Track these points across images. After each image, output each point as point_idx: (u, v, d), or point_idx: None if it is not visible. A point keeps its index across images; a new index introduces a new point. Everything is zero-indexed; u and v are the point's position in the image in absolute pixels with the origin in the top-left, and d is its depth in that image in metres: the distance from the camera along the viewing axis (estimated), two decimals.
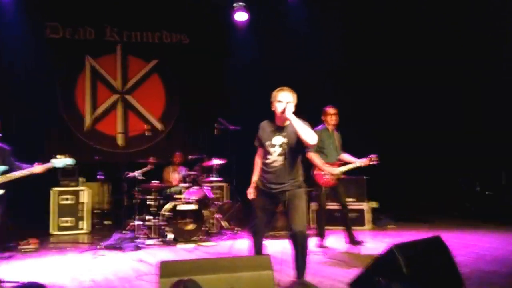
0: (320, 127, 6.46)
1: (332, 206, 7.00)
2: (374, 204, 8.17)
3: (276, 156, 4.17)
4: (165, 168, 8.47)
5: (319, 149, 6.33)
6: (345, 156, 6.51)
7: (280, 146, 4.15)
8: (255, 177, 4.35)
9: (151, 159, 7.51)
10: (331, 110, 6.46)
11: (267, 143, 4.20)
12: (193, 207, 6.99)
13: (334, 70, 9.57)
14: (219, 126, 7.74)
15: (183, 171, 8.29)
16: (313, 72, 9.53)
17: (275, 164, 4.17)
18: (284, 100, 4.14)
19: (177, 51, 10.19)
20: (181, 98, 10.17)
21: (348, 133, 6.67)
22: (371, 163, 6.30)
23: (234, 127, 7.72)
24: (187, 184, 7.40)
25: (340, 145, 6.55)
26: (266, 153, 4.21)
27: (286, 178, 4.14)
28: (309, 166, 6.45)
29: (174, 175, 8.33)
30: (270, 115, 4.28)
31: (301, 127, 4.06)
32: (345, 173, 6.41)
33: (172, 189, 7.94)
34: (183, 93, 10.18)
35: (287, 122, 4.19)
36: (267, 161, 4.20)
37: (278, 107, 4.16)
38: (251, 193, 4.33)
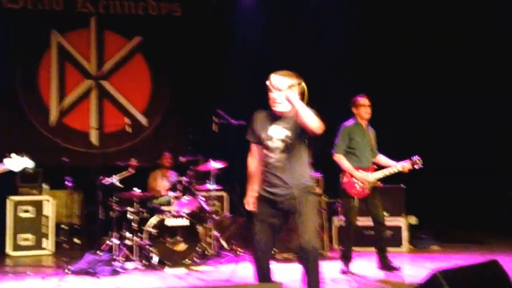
0: (349, 122, 6.50)
1: (362, 222, 7.02)
2: (413, 220, 8.21)
3: (278, 152, 4.22)
4: (151, 173, 8.52)
5: (350, 150, 6.39)
6: (382, 159, 6.54)
7: (281, 140, 4.22)
8: (250, 184, 4.39)
9: (133, 162, 7.55)
10: (364, 100, 6.49)
11: (263, 134, 4.27)
12: (185, 222, 7.03)
13: (357, 58, 9.74)
14: (219, 120, 7.72)
15: (173, 177, 8.33)
16: (332, 57, 9.67)
17: (275, 162, 4.23)
18: (276, 88, 4.20)
19: (167, 25, 10.25)
20: (171, 85, 10.25)
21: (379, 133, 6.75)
22: (414, 167, 6.31)
23: (237, 122, 7.69)
24: (177, 194, 7.44)
25: (375, 144, 6.57)
26: (264, 148, 4.28)
27: (291, 181, 4.18)
28: (335, 171, 6.47)
29: (162, 182, 8.39)
30: None
31: (306, 111, 4.08)
32: (381, 180, 6.44)
33: (159, 200, 7.98)
34: (173, 79, 10.25)
35: (288, 112, 4.25)
36: (268, 160, 4.26)
37: (270, 96, 4.25)
38: (249, 203, 4.36)
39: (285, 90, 4.16)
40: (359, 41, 9.81)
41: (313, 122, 4.07)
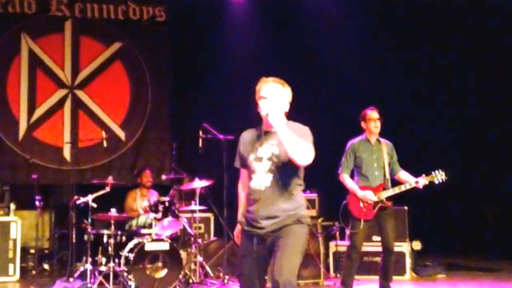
0: (357, 138, 6.48)
1: (368, 246, 7.06)
2: (417, 245, 8.15)
3: (263, 174, 3.98)
4: (129, 192, 8.46)
5: (357, 169, 6.38)
6: (403, 176, 6.43)
7: (269, 159, 3.97)
8: (239, 213, 4.25)
9: (110, 180, 7.51)
10: (373, 113, 6.43)
11: (251, 157, 4.04)
12: (167, 246, 6.95)
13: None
14: (205, 135, 7.72)
15: (153, 196, 8.28)
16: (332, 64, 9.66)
17: (260, 187, 3.97)
18: (269, 96, 4.01)
19: (149, 31, 10.24)
20: (152, 96, 10.21)
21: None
22: (433, 181, 6.22)
23: (225, 136, 7.69)
24: (158, 215, 7.33)
25: (392, 160, 6.47)
26: (250, 173, 4.07)
27: (279, 208, 3.95)
28: (332, 191, 6.36)
29: (141, 202, 8.28)
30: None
31: (288, 138, 3.86)
32: (391, 198, 6.32)
33: (138, 222, 7.89)
34: (155, 89, 10.23)
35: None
36: (251, 184, 4.03)
37: (261, 107, 4.02)
38: (238, 237, 4.22)
39: (271, 103, 3.97)
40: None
41: (298, 152, 3.84)
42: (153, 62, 10.20)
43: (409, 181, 6.27)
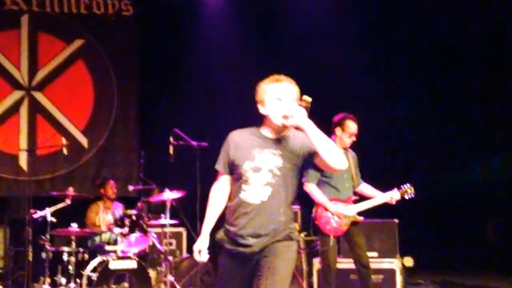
0: None
1: (346, 263, 6.97)
2: (408, 262, 8.16)
3: (260, 186, 3.91)
4: (90, 205, 8.43)
5: (324, 179, 6.34)
6: (365, 188, 6.54)
7: (270, 171, 3.91)
8: (209, 224, 4.10)
9: (70, 191, 7.48)
10: (354, 126, 6.38)
11: (246, 165, 3.94)
12: (134, 265, 6.96)
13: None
14: (176, 141, 7.72)
15: (119, 209, 8.25)
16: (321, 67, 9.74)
17: (255, 200, 3.91)
18: (286, 98, 3.93)
19: (114, 27, 10.25)
20: (118, 98, 10.21)
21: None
22: (403, 197, 6.32)
23: (199, 143, 7.71)
24: (124, 230, 7.34)
25: (357, 171, 6.57)
26: (240, 182, 3.97)
27: (272, 225, 3.92)
28: (307, 204, 6.40)
29: (104, 216, 8.29)
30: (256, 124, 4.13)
31: (326, 143, 3.84)
32: (362, 213, 6.39)
33: (102, 237, 7.88)
34: (121, 92, 10.23)
35: (286, 132, 4.00)
36: (242, 195, 3.94)
37: (275, 110, 3.93)
38: (200, 253, 4.06)
39: (290, 104, 3.88)
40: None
41: (338, 157, 3.85)
42: (119, 62, 10.20)
43: (376, 195, 6.36)
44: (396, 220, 7.94)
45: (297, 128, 3.91)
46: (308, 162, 3.96)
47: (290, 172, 3.95)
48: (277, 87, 3.96)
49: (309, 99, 3.90)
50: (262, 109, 4.00)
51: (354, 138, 6.40)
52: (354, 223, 6.33)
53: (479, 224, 9.64)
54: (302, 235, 7.79)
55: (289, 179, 3.95)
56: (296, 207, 7.95)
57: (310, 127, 3.82)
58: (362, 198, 6.48)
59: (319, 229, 6.30)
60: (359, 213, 6.37)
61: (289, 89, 3.95)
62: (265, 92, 4.00)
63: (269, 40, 10.06)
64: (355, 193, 6.48)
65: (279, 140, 3.97)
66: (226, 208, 4.11)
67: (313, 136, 3.82)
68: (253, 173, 3.92)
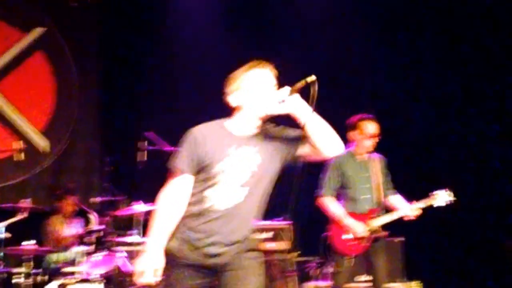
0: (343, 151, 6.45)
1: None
2: (416, 286, 8.15)
3: (235, 187, 3.92)
4: (48, 219, 8.44)
5: (343, 190, 6.40)
6: (395, 201, 6.52)
7: (248, 169, 3.94)
8: (163, 236, 3.89)
9: (27, 203, 7.44)
10: (373, 127, 6.40)
11: (219, 166, 3.91)
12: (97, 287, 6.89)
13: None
14: (146, 146, 7.75)
15: (80, 225, 8.30)
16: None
17: (227, 204, 3.91)
18: (271, 83, 4.00)
19: (79, 14, 10.29)
20: (82, 95, 10.26)
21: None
22: (433, 205, 6.35)
23: (173, 148, 7.61)
24: (86, 248, 7.36)
25: (385, 181, 6.53)
26: (210, 184, 3.93)
27: (245, 230, 3.98)
28: (310, 218, 6.33)
29: (64, 231, 8.32)
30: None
31: (323, 123, 3.93)
32: (384, 228, 6.38)
33: (60, 257, 7.81)
34: (86, 88, 10.27)
35: (261, 126, 4.03)
36: (213, 198, 3.93)
37: (261, 97, 3.95)
38: (149, 271, 3.84)
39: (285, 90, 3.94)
40: None
41: (335, 140, 3.94)
42: (81, 54, 10.32)
43: (401, 208, 6.36)
44: (403, 238, 7.97)
45: (288, 115, 3.94)
46: (290, 156, 4.00)
47: (269, 172, 4.00)
48: (259, 72, 4.01)
49: (313, 77, 3.83)
50: (237, 99, 4.01)
51: (376, 139, 6.42)
52: (376, 240, 6.33)
53: (498, 243, 9.60)
54: (294, 255, 7.79)
55: (267, 179, 4.01)
56: (287, 223, 7.88)
57: (303, 108, 3.88)
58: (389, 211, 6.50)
59: (335, 247, 6.34)
60: (383, 228, 6.39)
61: (271, 74, 4.03)
62: (248, 78, 4.02)
63: (248, 30, 10.16)
64: (381, 205, 6.45)
65: (256, 136, 4.02)
66: (185, 212, 3.98)
67: (305, 116, 3.87)
68: (227, 173, 3.92)
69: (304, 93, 3.90)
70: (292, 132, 3.99)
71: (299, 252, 7.79)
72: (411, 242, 8.09)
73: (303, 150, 3.98)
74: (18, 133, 9.78)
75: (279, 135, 4.03)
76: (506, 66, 9.44)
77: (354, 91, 9.75)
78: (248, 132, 4.01)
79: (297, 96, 3.87)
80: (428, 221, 6.77)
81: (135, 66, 10.21)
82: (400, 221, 6.45)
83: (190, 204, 3.96)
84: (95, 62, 10.36)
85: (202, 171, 3.94)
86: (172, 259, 3.91)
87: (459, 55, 9.71)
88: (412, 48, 9.94)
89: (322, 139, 3.90)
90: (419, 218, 6.40)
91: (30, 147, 9.53)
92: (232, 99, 4.01)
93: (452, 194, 6.36)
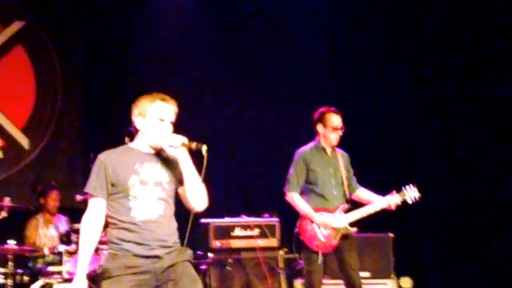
0: (307, 146, 6.53)
1: (332, 285, 7.10)
2: (406, 283, 8.14)
3: (153, 200, 4.29)
4: (28, 220, 8.47)
5: (309, 186, 6.39)
6: (364, 194, 6.57)
7: (157, 184, 4.32)
8: (86, 261, 4.32)
9: (7, 202, 7.41)
10: (337, 120, 6.46)
11: (132, 180, 4.27)
12: None
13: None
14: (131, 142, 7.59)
15: (62, 223, 8.36)
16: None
17: (150, 215, 4.27)
18: (168, 120, 4.38)
19: (60, 6, 10.25)
20: (64, 91, 10.21)
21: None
22: (405, 200, 6.37)
23: None
24: (71, 247, 7.29)
25: (350, 175, 6.57)
26: (127, 198, 4.28)
27: (171, 239, 4.33)
28: (286, 217, 6.35)
29: (46, 232, 8.34)
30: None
31: (197, 181, 4.31)
32: (355, 224, 6.38)
33: (46, 258, 7.75)
34: (67, 83, 10.24)
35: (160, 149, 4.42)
36: (134, 213, 4.26)
37: (156, 130, 4.36)
38: None
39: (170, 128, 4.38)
40: None
41: (203, 200, 4.37)
42: (64, 48, 10.23)
43: (375, 200, 6.37)
44: (391, 234, 8.01)
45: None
46: (176, 187, 4.41)
47: (174, 189, 4.41)
48: (163, 107, 4.39)
49: (204, 147, 4.28)
50: (139, 123, 4.40)
51: (340, 133, 6.45)
52: (345, 237, 6.34)
53: (487, 238, 9.64)
54: (282, 252, 7.82)
55: (175, 194, 4.43)
56: (274, 220, 7.91)
57: (187, 160, 4.28)
58: (357, 206, 6.47)
59: (304, 245, 6.32)
60: (352, 224, 6.37)
61: (173, 112, 4.41)
62: (150, 108, 4.38)
63: (233, 31, 10.27)
64: (351, 201, 6.50)
65: (158, 154, 4.41)
66: (112, 229, 4.32)
67: (186, 170, 4.29)
68: (140, 188, 4.29)
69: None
70: (180, 171, 4.34)
71: (286, 250, 7.81)
72: (401, 238, 8.05)
73: (180, 190, 4.40)
74: None
75: (175, 164, 4.36)
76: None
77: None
78: (151, 151, 4.40)
79: (184, 150, 4.26)
80: (417, 216, 6.82)
81: (120, 61, 10.15)
82: (388, 217, 6.50)
83: (117, 217, 4.29)
84: (79, 57, 10.27)
85: (118, 189, 4.30)
86: (111, 275, 4.20)
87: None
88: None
89: (192, 194, 4.30)
90: (408, 213, 6.46)
91: (11, 144, 9.52)
92: (136, 121, 4.41)
93: (417, 190, 6.39)
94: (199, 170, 4.29)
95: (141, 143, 4.40)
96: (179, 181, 4.37)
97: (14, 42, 10.05)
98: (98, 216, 4.30)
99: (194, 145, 4.25)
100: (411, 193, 6.37)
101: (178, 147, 4.24)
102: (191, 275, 4.28)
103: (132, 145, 4.45)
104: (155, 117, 4.33)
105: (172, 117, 4.38)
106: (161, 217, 4.28)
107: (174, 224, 4.37)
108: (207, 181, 4.39)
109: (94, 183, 4.31)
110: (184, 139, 4.26)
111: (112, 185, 4.28)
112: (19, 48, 10.09)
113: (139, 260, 4.17)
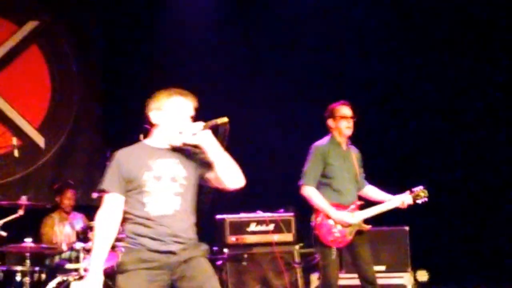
0: (323, 141, 6.51)
1: (348, 279, 7.02)
2: (423, 276, 8.15)
3: (168, 195, 4.27)
4: (44, 218, 8.48)
5: (325, 180, 6.37)
6: (371, 191, 6.58)
7: (173, 179, 4.29)
8: (101, 259, 4.32)
9: (24, 200, 7.43)
10: (345, 109, 6.46)
11: (146, 175, 4.26)
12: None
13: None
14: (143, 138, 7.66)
15: (78, 220, 8.37)
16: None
17: (166, 211, 4.25)
18: (187, 114, 4.35)
19: (74, 6, 10.26)
20: (80, 90, 10.23)
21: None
22: (416, 201, 6.38)
23: None
24: (87, 245, 7.29)
25: (360, 171, 6.59)
26: (142, 194, 4.26)
27: (185, 234, 4.30)
28: (302, 211, 6.37)
29: (62, 229, 8.37)
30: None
31: (227, 157, 4.27)
32: (372, 220, 6.42)
33: (63, 255, 7.84)
34: (84, 82, 10.25)
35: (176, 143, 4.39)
36: (149, 209, 4.24)
37: (175, 124, 4.32)
38: None
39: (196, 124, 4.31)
40: None
41: (238, 175, 4.32)
42: (80, 47, 10.22)
43: (383, 199, 6.42)
44: (407, 228, 7.99)
45: (195, 146, 4.31)
46: (201, 177, 4.38)
47: (193, 185, 4.37)
48: (180, 101, 4.37)
49: (225, 119, 4.28)
50: (155, 117, 4.36)
51: (351, 122, 6.43)
52: (359, 232, 6.34)
53: (506, 231, 9.61)
54: (297, 246, 7.83)
55: (192, 194, 4.38)
56: (289, 215, 7.94)
57: (212, 142, 4.24)
58: (367, 203, 6.49)
59: (319, 239, 6.30)
60: (365, 221, 6.39)
61: (191, 107, 4.38)
62: (169, 103, 4.36)
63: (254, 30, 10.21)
64: (358, 197, 6.51)
65: (174, 149, 4.38)
66: (128, 224, 4.30)
67: (214, 152, 4.24)
68: (154, 182, 4.26)
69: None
70: (204, 157, 4.30)
71: (301, 244, 7.84)
72: (417, 231, 8.04)
73: (210, 176, 4.34)
74: (14, 130, 9.70)
75: (194, 155, 4.36)
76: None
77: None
78: (166, 146, 4.37)
79: (208, 132, 4.23)
80: (432, 209, 6.83)
81: (138, 57, 10.13)
82: (403, 210, 6.46)
83: (133, 213, 4.27)
84: (96, 56, 10.27)
85: (131, 186, 4.28)
86: (127, 269, 4.23)
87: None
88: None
89: (225, 173, 4.26)
90: (423, 205, 6.45)
91: (27, 144, 9.59)
92: (152, 115, 4.36)
93: (426, 192, 6.41)
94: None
95: (157, 139, 4.37)
96: (204, 170, 4.35)
97: (29, 41, 10.05)
98: (112, 211, 4.28)
99: (214, 122, 4.25)
100: (421, 195, 6.39)
101: (199, 132, 4.21)
102: (206, 271, 4.29)
103: (146, 141, 4.43)
104: (172, 112, 4.32)
105: (191, 112, 4.35)
106: (177, 212, 4.25)
107: (191, 219, 4.34)
108: None
109: (108, 179, 4.31)
110: (202, 123, 4.24)
111: (127, 181, 4.28)
112: (34, 48, 10.09)
113: (154, 255, 4.17)
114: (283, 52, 10.08)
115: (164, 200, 4.24)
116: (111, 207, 4.29)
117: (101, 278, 4.26)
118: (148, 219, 4.22)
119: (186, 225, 4.29)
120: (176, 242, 4.22)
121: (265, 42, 10.11)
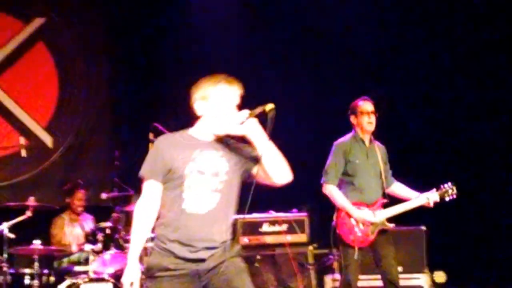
0: (345, 138, 6.52)
1: (367, 280, 7.09)
2: (440, 277, 8.15)
3: (207, 192, 4.08)
4: (54, 219, 8.52)
5: (347, 178, 6.39)
6: (398, 188, 6.56)
7: (215, 174, 4.11)
8: (138, 249, 4.12)
9: (32, 201, 7.41)
10: (366, 105, 6.48)
11: (189, 168, 4.08)
12: (109, 287, 6.93)
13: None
14: (156, 138, 7.62)
15: (88, 222, 8.40)
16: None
17: (200, 210, 4.06)
18: (234, 103, 4.19)
19: (81, 3, 10.28)
20: (88, 88, 10.23)
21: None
22: (444, 199, 6.38)
23: None
24: (97, 246, 7.36)
25: (387, 168, 6.57)
26: (180, 190, 4.09)
27: (219, 237, 4.11)
28: (326, 209, 6.32)
29: (72, 230, 8.39)
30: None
31: (276, 151, 4.11)
32: (392, 219, 6.37)
33: (72, 257, 7.89)
34: (91, 80, 10.25)
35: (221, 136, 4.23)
36: (185, 205, 4.06)
37: (222, 113, 4.15)
38: (132, 285, 4.04)
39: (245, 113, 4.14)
40: None
41: (286, 170, 4.15)
42: (87, 44, 10.22)
43: (412, 197, 6.39)
44: (424, 227, 7.98)
45: (241, 138, 4.14)
46: (246, 173, 4.19)
47: (236, 181, 4.18)
48: (230, 89, 4.19)
49: (271, 106, 4.08)
50: (202, 107, 4.19)
51: (372, 118, 6.44)
52: (382, 232, 6.34)
53: None
54: (311, 247, 7.83)
55: (236, 185, 4.19)
56: (303, 215, 7.91)
57: (259, 132, 4.06)
58: (393, 200, 6.47)
59: (341, 239, 6.31)
60: (389, 220, 6.37)
61: (238, 95, 4.20)
62: (215, 92, 4.18)
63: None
64: (384, 195, 6.48)
65: (219, 141, 4.21)
66: (159, 225, 4.16)
67: (261, 142, 4.05)
68: (196, 177, 4.08)
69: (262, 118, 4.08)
70: (251, 151, 4.15)
71: (315, 245, 7.81)
72: (434, 230, 8.03)
73: (256, 171, 4.13)
74: (21, 129, 9.74)
75: (239, 149, 4.21)
76: None
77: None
78: (211, 138, 4.20)
79: (255, 120, 4.05)
80: (450, 208, 6.78)
81: (145, 56, 10.13)
82: (421, 209, 6.46)
83: (165, 211, 4.14)
84: (103, 53, 10.25)
85: (171, 177, 4.11)
86: (153, 274, 4.07)
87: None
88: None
89: (273, 167, 4.09)
90: (441, 205, 6.44)
91: (34, 143, 9.61)
92: (197, 106, 4.20)
93: (455, 189, 6.40)
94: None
95: (201, 130, 4.20)
96: (250, 165, 4.18)
97: (35, 39, 10.09)
98: (152, 199, 4.11)
99: (261, 109, 4.06)
100: (449, 192, 6.38)
101: (246, 120, 4.04)
102: (237, 266, 4.11)
103: (190, 131, 4.24)
104: (218, 101, 4.16)
105: (237, 100, 4.18)
106: (212, 211, 4.06)
107: (227, 220, 4.15)
108: None
109: (149, 166, 4.16)
110: (247, 111, 4.08)
111: (168, 171, 4.09)
112: (40, 45, 10.12)
113: (181, 263, 4.03)
114: (303, 45, 10.05)
115: (202, 197, 4.06)
116: (149, 195, 4.12)
117: (137, 273, 4.05)
118: (181, 217, 4.05)
119: (221, 227, 4.10)
120: (207, 248, 4.04)
121: (284, 34, 10.08)
